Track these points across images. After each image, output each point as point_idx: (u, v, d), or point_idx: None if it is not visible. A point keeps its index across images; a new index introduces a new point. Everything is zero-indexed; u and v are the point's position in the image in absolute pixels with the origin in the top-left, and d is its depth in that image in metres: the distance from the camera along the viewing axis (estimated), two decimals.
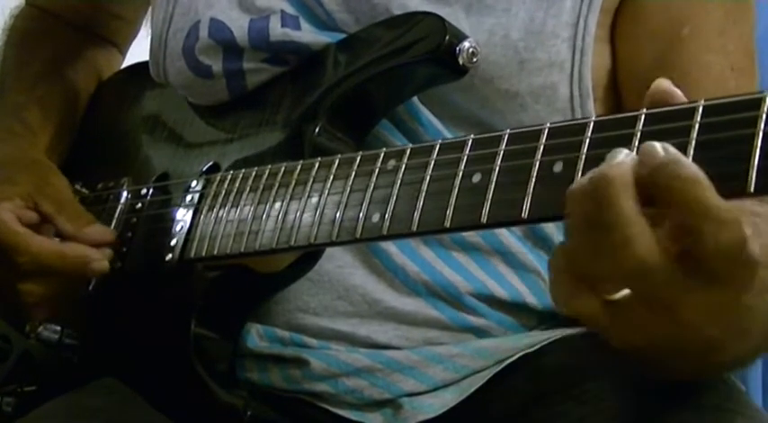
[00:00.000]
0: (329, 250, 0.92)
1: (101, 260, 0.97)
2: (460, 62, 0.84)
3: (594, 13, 0.92)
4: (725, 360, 0.66)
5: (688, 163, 0.55)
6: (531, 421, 0.88)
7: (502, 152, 0.67)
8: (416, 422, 0.90)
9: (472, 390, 0.91)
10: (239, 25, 0.95)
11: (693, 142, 0.57)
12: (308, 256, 0.88)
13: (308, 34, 0.94)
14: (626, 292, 0.58)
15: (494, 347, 0.93)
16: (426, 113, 0.92)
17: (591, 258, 0.58)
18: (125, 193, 1.02)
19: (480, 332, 0.94)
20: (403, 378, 0.92)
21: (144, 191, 1.00)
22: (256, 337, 0.94)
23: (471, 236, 0.93)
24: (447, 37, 0.84)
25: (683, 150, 0.57)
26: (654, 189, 0.55)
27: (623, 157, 0.57)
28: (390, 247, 0.92)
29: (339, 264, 0.93)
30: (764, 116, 0.54)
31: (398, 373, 0.92)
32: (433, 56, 0.85)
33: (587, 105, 0.92)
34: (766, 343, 0.67)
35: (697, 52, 0.91)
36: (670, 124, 0.59)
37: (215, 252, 0.87)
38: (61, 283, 0.98)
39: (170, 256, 0.91)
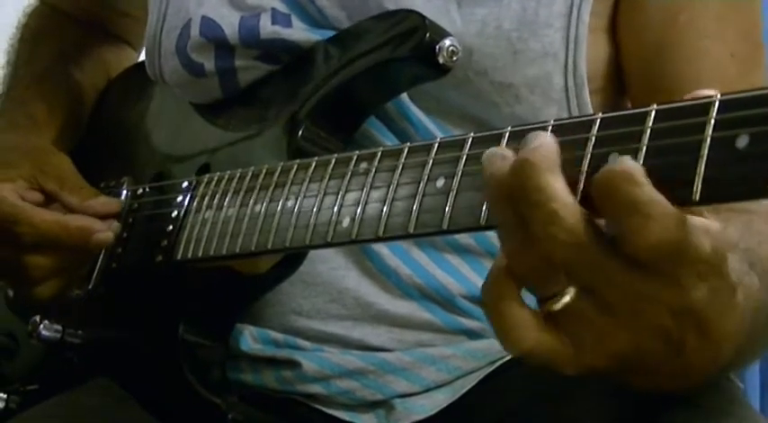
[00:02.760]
0: (322, 252, 0.92)
1: (105, 231, 0.96)
2: (441, 61, 0.83)
3: (588, 2, 0.90)
4: (699, 369, 0.60)
5: (624, 159, 0.53)
6: (523, 421, 0.87)
7: (465, 156, 0.66)
8: None
9: (464, 390, 0.91)
10: (230, 22, 0.95)
11: (644, 148, 0.55)
12: (293, 257, 0.88)
13: (298, 32, 0.93)
14: (568, 297, 0.55)
15: (486, 348, 0.92)
16: (416, 111, 0.91)
17: (525, 253, 0.55)
18: (125, 193, 1.02)
19: (473, 334, 0.93)
20: (395, 379, 0.91)
21: (140, 191, 1.01)
22: (250, 339, 0.94)
23: (464, 238, 0.92)
24: (427, 35, 0.83)
25: (634, 156, 0.55)
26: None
27: (544, 139, 0.55)
28: (383, 249, 0.92)
29: (332, 266, 0.92)
30: (713, 122, 0.52)
31: (391, 375, 0.91)
32: (412, 54, 0.84)
33: (582, 95, 0.91)
34: (746, 344, 0.63)
35: (695, 39, 0.89)
36: (622, 129, 0.57)
37: (200, 254, 0.86)
38: (66, 257, 0.98)
39: (160, 257, 0.91)
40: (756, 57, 0.92)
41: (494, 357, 0.92)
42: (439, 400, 0.91)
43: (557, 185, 0.54)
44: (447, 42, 0.83)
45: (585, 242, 0.53)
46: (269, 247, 0.79)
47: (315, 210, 0.75)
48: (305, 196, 0.77)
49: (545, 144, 0.55)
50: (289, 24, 0.94)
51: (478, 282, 0.90)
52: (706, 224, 0.54)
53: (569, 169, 0.56)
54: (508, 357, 0.91)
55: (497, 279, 0.57)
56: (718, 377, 0.67)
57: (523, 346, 0.56)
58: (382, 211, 0.69)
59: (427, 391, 0.91)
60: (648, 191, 0.52)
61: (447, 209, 0.65)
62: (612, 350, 0.56)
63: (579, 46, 0.90)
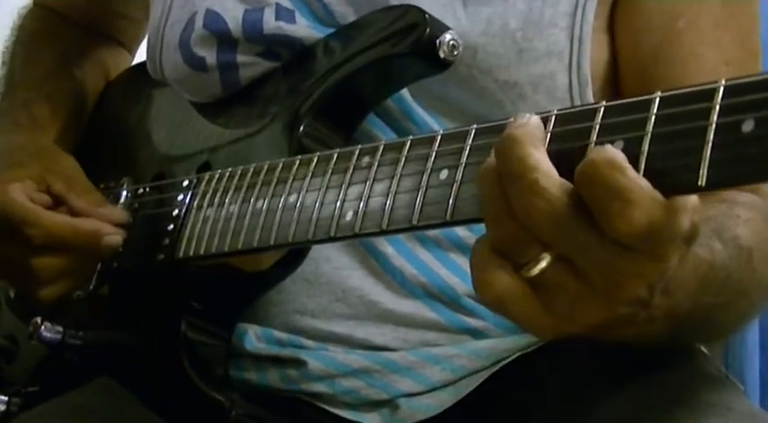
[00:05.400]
0: (327, 251, 0.92)
1: (114, 234, 0.95)
2: (441, 55, 0.83)
3: (592, 2, 0.90)
4: (660, 320, 0.62)
5: (606, 147, 0.54)
6: (527, 422, 0.87)
7: (468, 147, 0.66)
8: (413, 422, 0.89)
9: (469, 390, 0.90)
10: (233, 15, 0.95)
11: (649, 135, 0.55)
12: (294, 254, 0.87)
13: (302, 29, 0.93)
14: (544, 263, 0.56)
15: (491, 348, 0.92)
16: (419, 110, 0.91)
17: (504, 221, 0.57)
18: (125, 193, 1.02)
19: (478, 334, 0.93)
20: (400, 379, 0.91)
21: (141, 191, 1.00)
22: (254, 338, 0.93)
23: (469, 237, 0.91)
24: (428, 29, 0.83)
25: (639, 144, 0.55)
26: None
27: (528, 118, 0.57)
28: (388, 248, 0.91)
29: (336, 265, 0.92)
30: (718, 108, 0.52)
31: (396, 374, 0.91)
32: (413, 49, 0.84)
33: (586, 94, 0.91)
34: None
35: (692, 45, 0.89)
36: (626, 117, 0.57)
37: (201, 252, 0.86)
38: (74, 259, 0.97)
39: (161, 256, 0.91)
40: (751, 64, 0.91)
41: (498, 357, 0.91)
42: (443, 400, 0.90)
43: (538, 156, 0.56)
44: (447, 36, 0.83)
45: (566, 213, 0.55)
46: (271, 242, 0.78)
47: (317, 204, 0.75)
48: (307, 191, 0.77)
49: (529, 122, 0.57)
50: (292, 20, 0.93)
51: None
52: (685, 201, 0.55)
53: (576, 159, 0.56)
54: (512, 357, 0.91)
55: (481, 249, 0.59)
56: (679, 333, 0.69)
57: (510, 313, 0.58)
58: (386, 203, 0.69)
59: (432, 390, 0.91)
60: (631, 176, 0.53)
61: (451, 200, 0.64)
62: (590, 320, 0.58)
63: (584, 45, 0.90)
